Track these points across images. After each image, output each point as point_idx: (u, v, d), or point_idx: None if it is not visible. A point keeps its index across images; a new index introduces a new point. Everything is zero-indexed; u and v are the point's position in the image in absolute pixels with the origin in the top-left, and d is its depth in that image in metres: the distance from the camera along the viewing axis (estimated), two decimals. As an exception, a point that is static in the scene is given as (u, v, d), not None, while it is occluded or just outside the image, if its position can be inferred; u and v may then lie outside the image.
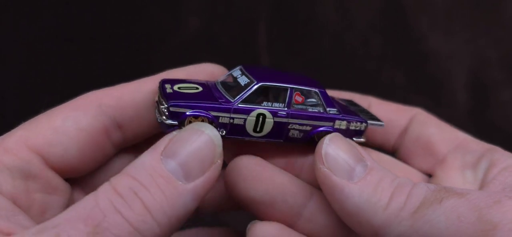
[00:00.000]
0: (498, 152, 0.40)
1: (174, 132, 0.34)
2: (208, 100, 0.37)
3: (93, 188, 0.33)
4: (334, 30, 0.78)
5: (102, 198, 0.31)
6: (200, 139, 0.33)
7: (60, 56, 0.77)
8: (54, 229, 0.30)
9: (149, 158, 0.32)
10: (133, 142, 0.41)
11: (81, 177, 0.40)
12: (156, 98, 0.39)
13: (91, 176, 0.41)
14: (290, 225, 0.39)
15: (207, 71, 0.42)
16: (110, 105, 0.39)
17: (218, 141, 0.34)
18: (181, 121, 0.36)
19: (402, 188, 0.35)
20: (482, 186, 0.39)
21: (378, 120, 0.42)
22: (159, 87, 0.39)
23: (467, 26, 0.77)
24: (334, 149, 0.36)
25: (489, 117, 0.77)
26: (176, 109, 0.36)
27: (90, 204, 0.31)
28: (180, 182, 0.32)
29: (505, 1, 0.76)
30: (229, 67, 0.43)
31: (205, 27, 0.78)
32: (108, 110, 0.39)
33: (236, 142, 0.40)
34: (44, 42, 0.77)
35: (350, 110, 0.43)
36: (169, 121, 0.36)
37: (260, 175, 0.38)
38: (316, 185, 0.40)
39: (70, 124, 0.37)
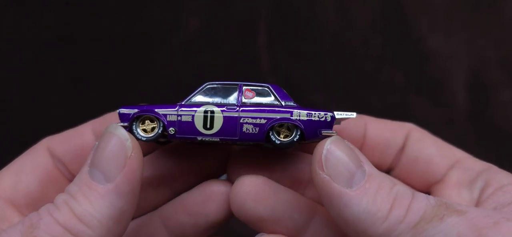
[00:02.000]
0: (494, 171, 0.40)
1: (96, 143, 0.37)
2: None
3: None
4: (334, 30, 0.78)
5: (42, 209, 0.35)
6: (111, 142, 0.36)
7: (60, 56, 0.77)
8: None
9: (79, 173, 0.36)
10: None
11: None
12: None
13: None
14: None
15: None
16: (54, 147, 0.42)
17: (125, 136, 0.36)
18: (130, 121, 0.38)
19: (402, 199, 0.34)
20: (477, 204, 0.39)
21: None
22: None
23: (466, 26, 0.77)
24: (335, 154, 0.35)
25: (489, 117, 0.77)
26: (124, 111, 0.39)
27: (32, 214, 0.35)
28: (102, 186, 0.35)
29: (504, 1, 0.76)
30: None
31: (205, 27, 0.78)
32: (54, 152, 0.42)
33: (240, 162, 0.41)
34: (44, 42, 0.77)
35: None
36: (120, 124, 0.38)
37: (268, 193, 0.40)
38: (321, 202, 0.41)
39: (27, 165, 0.42)
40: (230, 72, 0.76)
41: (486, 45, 0.76)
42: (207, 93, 0.39)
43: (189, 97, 0.39)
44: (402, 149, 0.44)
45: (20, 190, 0.40)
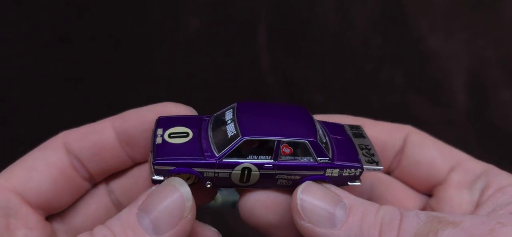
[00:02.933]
0: (494, 172, 0.41)
1: (153, 187, 0.35)
2: (193, 155, 0.38)
3: (74, 226, 0.39)
4: (334, 30, 0.78)
5: None
6: (172, 196, 0.35)
7: (60, 56, 0.77)
8: None
9: (127, 211, 0.34)
10: (103, 177, 0.42)
11: (62, 216, 0.42)
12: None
13: (71, 215, 0.42)
14: None
15: (167, 111, 0.42)
16: (72, 144, 0.40)
17: (188, 195, 0.35)
18: (167, 176, 0.37)
19: (391, 223, 0.34)
20: (477, 206, 0.40)
21: (376, 162, 0.40)
22: (154, 127, 0.39)
23: (466, 26, 0.77)
24: (309, 201, 0.36)
25: (488, 117, 0.77)
26: (160, 167, 0.37)
27: None
28: (148, 236, 0.34)
29: (505, 1, 0.76)
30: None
31: (205, 27, 0.78)
32: (71, 148, 0.40)
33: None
34: (44, 42, 0.77)
35: (350, 145, 0.41)
36: (155, 177, 0.37)
37: (278, 200, 0.39)
38: None
39: (40, 161, 0.40)
40: (230, 72, 0.77)
41: (486, 45, 0.76)
42: (244, 147, 0.38)
43: (226, 150, 0.37)
44: (400, 151, 0.44)
45: (31, 188, 0.39)
